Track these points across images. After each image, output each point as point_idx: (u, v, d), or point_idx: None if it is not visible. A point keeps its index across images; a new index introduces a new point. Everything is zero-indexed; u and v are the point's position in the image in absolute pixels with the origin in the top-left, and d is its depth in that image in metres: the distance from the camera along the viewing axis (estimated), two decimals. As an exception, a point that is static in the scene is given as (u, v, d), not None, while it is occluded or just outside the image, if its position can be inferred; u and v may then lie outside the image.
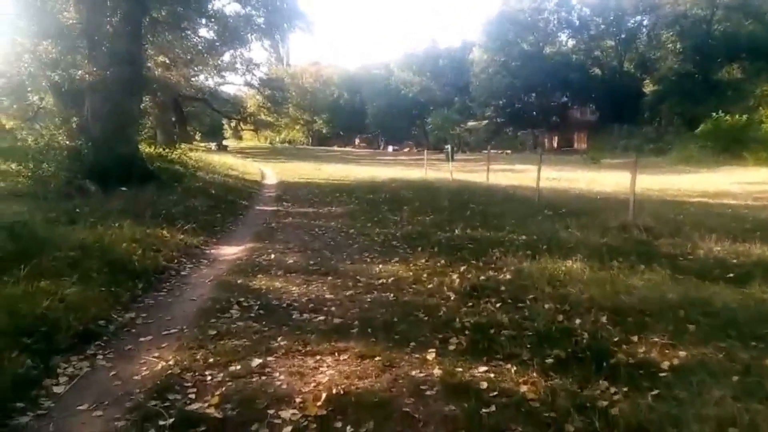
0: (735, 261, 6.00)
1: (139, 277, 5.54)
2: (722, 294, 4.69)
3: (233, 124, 67.51)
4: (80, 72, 12.01)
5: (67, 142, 13.08)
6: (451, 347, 3.81)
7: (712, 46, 44.83)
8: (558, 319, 4.26)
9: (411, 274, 5.81)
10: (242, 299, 4.93)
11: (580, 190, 15.35)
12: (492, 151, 51.12)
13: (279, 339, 3.98)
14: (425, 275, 5.69)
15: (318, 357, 3.69)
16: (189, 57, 44.89)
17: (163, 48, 35.76)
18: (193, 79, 53.45)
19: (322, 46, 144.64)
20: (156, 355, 3.75)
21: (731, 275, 5.32)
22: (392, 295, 5.07)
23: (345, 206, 12.01)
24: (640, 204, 10.88)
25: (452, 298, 4.89)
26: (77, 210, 8.28)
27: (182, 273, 6.11)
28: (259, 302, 4.86)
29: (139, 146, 14.37)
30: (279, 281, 5.60)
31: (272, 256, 6.79)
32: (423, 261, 6.34)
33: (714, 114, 34.90)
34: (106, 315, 4.45)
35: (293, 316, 4.53)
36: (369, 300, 4.94)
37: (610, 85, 50.66)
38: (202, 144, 51.95)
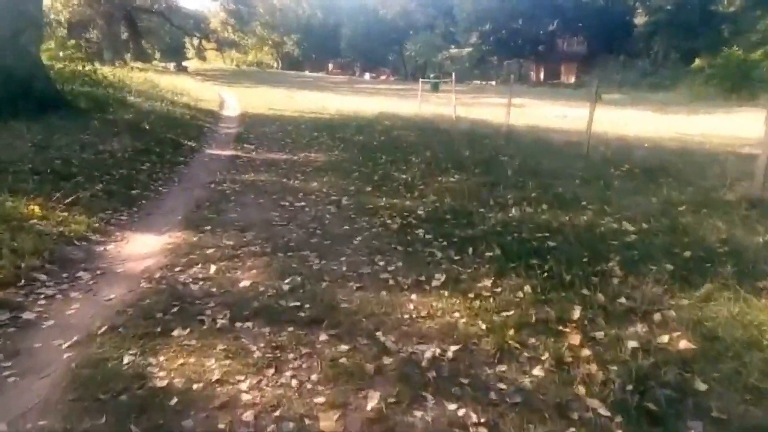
0: None
1: None
2: None
3: (195, 42, 61.29)
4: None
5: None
6: None
7: (710, -26, 41.13)
8: None
9: (481, 324, 2.97)
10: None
11: (614, 134, 12.47)
12: (476, 81, 47.82)
13: None
14: (511, 333, 2.87)
15: None
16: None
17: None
18: (148, -13, 47.03)
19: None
20: None
21: None
22: (472, 414, 2.25)
23: (329, 153, 8.91)
24: (713, 158, 8.29)
25: (609, 425, 2.13)
26: None
27: (23, 318, 3.01)
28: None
29: (44, 61, 10.65)
30: (217, 359, 2.66)
31: (212, 267, 3.74)
32: (488, 284, 3.51)
33: (722, 48, 32.11)
34: None
35: None
36: (420, 427, 2.13)
37: (602, 14, 46.96)
38: (161, 64, 46.56)
